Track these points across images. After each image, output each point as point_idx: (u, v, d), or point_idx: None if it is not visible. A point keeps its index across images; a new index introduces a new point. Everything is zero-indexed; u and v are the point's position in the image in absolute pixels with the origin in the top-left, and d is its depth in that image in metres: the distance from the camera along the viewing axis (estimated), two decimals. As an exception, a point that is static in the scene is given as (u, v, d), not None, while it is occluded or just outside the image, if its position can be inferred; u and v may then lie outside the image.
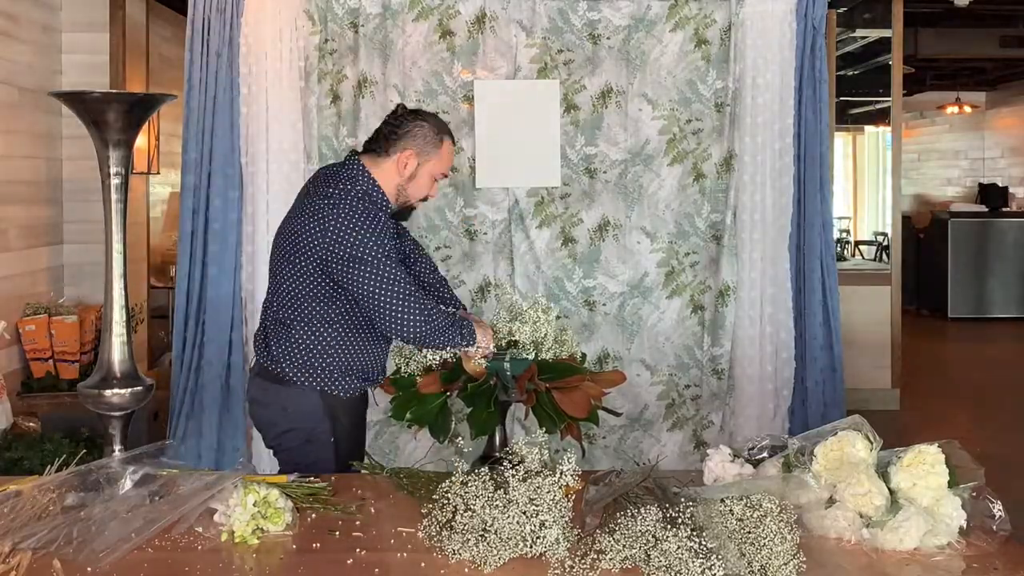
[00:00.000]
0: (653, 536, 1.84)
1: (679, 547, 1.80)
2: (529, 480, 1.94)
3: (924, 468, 2.03)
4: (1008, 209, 11.52)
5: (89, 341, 4.96)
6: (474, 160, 4.35)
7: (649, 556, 1.82)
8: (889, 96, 6.98)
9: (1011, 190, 11.85)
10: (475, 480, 1.98)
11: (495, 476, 2.01)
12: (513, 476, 1.94)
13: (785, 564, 1.82)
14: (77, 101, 2.99)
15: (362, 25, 4.31)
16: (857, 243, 13.12)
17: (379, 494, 2.32)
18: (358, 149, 4.31)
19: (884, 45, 7.22)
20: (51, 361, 4.85)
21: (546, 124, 4.36)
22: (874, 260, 11.62)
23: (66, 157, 5.35)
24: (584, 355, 3.42)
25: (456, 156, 4.34)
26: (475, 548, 1.88)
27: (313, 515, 2.16)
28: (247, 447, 4.17)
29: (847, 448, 2.08)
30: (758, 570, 1.81)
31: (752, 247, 4.34)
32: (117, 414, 3.13)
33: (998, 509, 2.02)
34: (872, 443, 2.09)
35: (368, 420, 4.23)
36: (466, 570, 1.87)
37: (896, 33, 6.86)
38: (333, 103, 4.32)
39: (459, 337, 2.75)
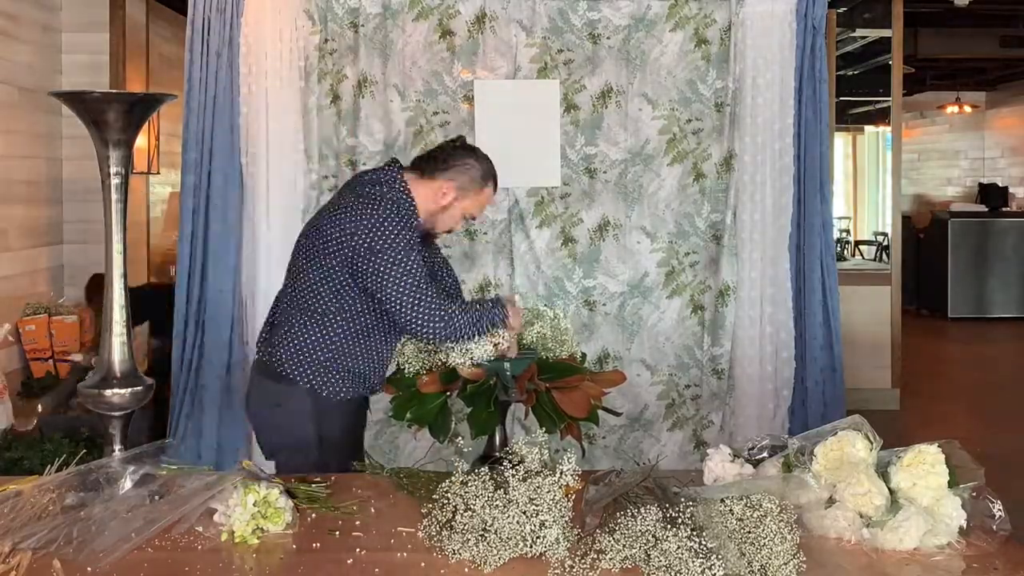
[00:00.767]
0: (653, 536, 1.84)
1: (679, 547, 1.80)
2: (529, 480, 1.94)
3: (924, 468, 2.03)
4: (1008, 209, 11.52)
5: (89, 341, 4.96)
6: (474, 160, 4.35)
7: (649, 556, 1.82)
8: (889, 96, 6.99)
9: (1011, 190, 11.85)
10: (475, 480, 1.98)
11: (495, 476, 2.00)
12: (513, 476, 1.94)
13: (785, 564, 1.82)
14: (77, 101, 2.98)
15: (362, 25, 4.31)
16: (857, 243, 13.13)
17: (379, 494, 2.32)
18: (358, 148, 4.35)
19: (884, 45, 7.22)
20: (51, 361, 4.85)
21: (546, 124, 4.36)
22: (874, 260, 11.62)
23: (66, 157, 5.35)
24: (584, 355, 3.42)
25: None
26: (475, 548, 1.88)
27: (313, 515, 2.16)
28: (247, 447, 4.17)
29: (847, 448, 2.08)
30: (758, 570, 1.81)
31: (752, 247, 4.33)
32: (117, 414, 3.13)
33: (998, 509, 2.02)
34: (872, 443, 2.09)
35: (368, 420, 4.26)
36: (466, 570, 1.87)
37: (896, 33, 6.86)
38: (333, 103, 4.32)
39: (487, 324, 2.79)
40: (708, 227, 4.39)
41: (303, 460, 2.76)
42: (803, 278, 4.30)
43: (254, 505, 2.03)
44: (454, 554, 1.90)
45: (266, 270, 4.21)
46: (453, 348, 2.83)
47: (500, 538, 1.88)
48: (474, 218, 3.01)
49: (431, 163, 2.88)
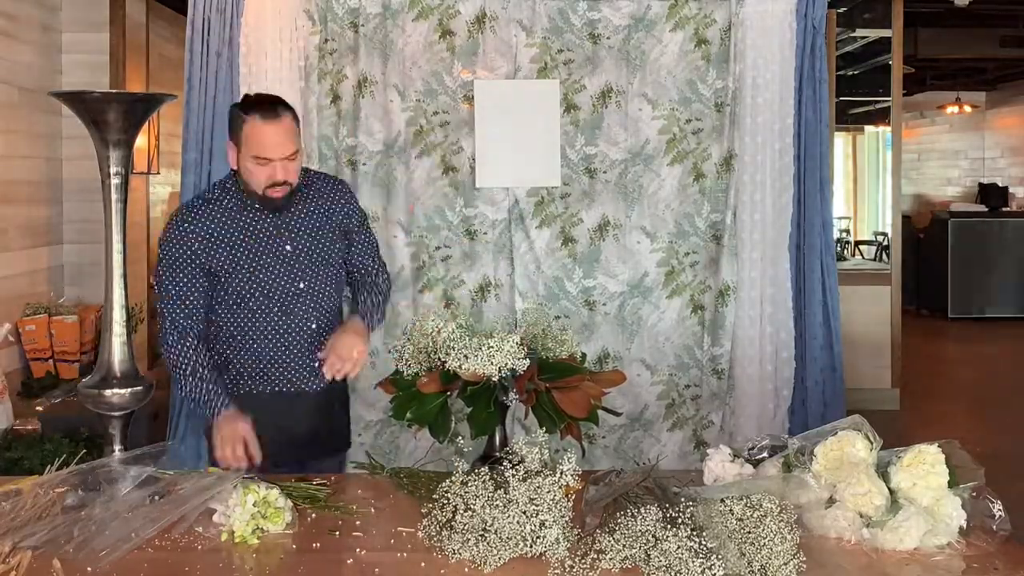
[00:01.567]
0: (653, 536, 1.84)
1: (679, 547, 1.80)
2: (529, 480, 1.94)
3: (924, 468, 2.03)
4: (1008, 209, 11.52)
5: (89, 341, 4.96)
6: (474, 160, 4.35)
7: (649, 556, 1.82)
8: (889, 96, 6.99)
9: (1011, 190, 11.85)
10: (475, 480, 1.98)
11: (495, 476, 2.01)
12: (513, 476, 1.94)
13: (785, 564, 1.82)
14: (77, 101, 2.99)
15: (362, 25, 4.31)
16: (857, 243, 13.12)
17: (379, 494, 2.32)
18: (358, 148, 4.35)
19: (884, 45, 7.22)
20: (51, 361, 4.85)
21: (546, 124, 4.36)
22: (874, 260, 11.62)
23: (66, 157, 5.35)
24: (584, 355, 3.42)
25: (456, 156, 4.34)
26: (475, 548, 1.88)
27: (313, 515, 2.16)
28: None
29: (847, 448, 2.08)
30: (758, 570, 1.81)
31: (752, 247, 4.34)
32: (117, 414, 3.13)
33: (998, 509, 2.02)
34: (872, 443, 2.09)
35: (368, 420, 4.26)
36: (466, 570, 1.87)
37: (896, 33, 6.86)
38: (333, 103, 4.32)
39: (194, 393, 2.65)
40: (708, 227, 4.39)
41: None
42: (803, 278, 4.30)
43: (254, 505, 2.03)
44: (454, 554, 1.90)
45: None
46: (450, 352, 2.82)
47: (500, 538, 1.88)
48: (268, 159, 2.58)
49: None
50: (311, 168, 2.94)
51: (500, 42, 4.36)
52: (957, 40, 9.13)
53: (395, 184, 4.34)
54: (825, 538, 2.02)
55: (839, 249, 11.27)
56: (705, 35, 4.35)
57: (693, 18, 4.35)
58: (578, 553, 1.88)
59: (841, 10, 7.03)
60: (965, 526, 2.01)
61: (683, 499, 1.99)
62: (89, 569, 1.86)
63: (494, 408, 2.86)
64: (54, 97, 3.23)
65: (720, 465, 2.23)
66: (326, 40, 4.30)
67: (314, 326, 2.71)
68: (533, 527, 1.88)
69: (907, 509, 1.98)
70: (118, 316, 3.01)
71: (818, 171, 4.28)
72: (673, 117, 4.37)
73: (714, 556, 1.78)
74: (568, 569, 1.84)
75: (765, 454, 2.25)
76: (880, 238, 11.67)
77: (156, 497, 2.12)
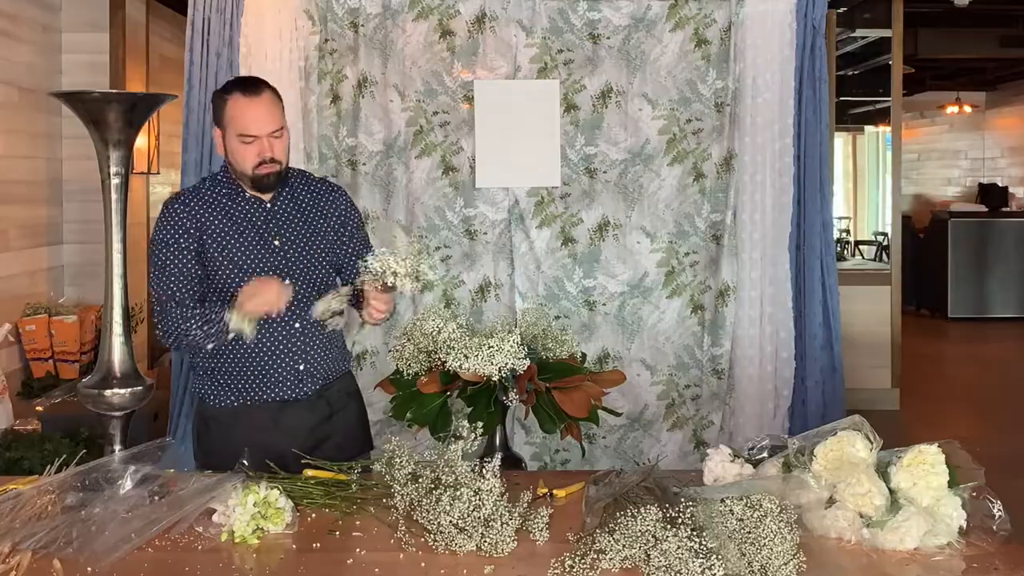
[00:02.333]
0: (653, 536, 1.84)
1: (679, 547, 1.80)
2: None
3: (924, 468, 2.03)
4: (1008, 209, 11.52)
5: (89, 341, 4.96)
6: (474, 160, 4.35)
7: (649, 556, 1.82)
8: (889, 96, 6.99)
9: (1011, 190, 11.85)
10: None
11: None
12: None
13: (785, 564, 1.82)
14: (77, 101, 2.98)
15: (362, 25, 4.31)
16: (857, 243, 13.13)
17: (379, 494, 2.31)
18: (358, 148, 4.35)
19: (884, 45, 7.22)
20: (51, 361, 4.85)
21: (546, 124, 4.36)
22: (874, 260, 11.62)
23: (66, 157, 5.35)
24: (584, 355, 3.43)
25: (456, 156, 4.34)
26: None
27: (313, 515, 2.16)
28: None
29: (847, 448, 2.08)
30: (758, 570, 1.81)
31: (752, 247, 4.34)
32: (117, 414, 3.13)
33: (998, 509, 2.02)
34: (872, 443, 2.09)
35: (368, 420, 4.26)
36: (465, 571, 1.87)
37: (896, 33, 6.86)
38: (333, 103, 4.32)
39: (204, 333, 2.57)
40: (708, 227, 4.39)
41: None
42: (803, 278, 4.30)
43: (254, 505, 2.03)
44: (433, 541, 1.90)
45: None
46: (451, 352, 2.83)
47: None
48: (254, 136, 2.56)
49: None
50: (311, 173, 2.92)
51: (500, 42, 4.36)
52: (957, 40, 9.13)
53: (395, 184, 4.34)
54: (825, 538, 2.02)
55: (839, 249, 11.27)
56: (705, 35, 4.35)
57: (693, 18, 4.35)
58: (578, 553, 1.88)
59: (841, 10, 7.03)
60: (965, 526, 2.01)
61: (683, 499, 1.99)
62: (89, 569, 1.86)
63: (494, 408, 2.86)
64: (54, 97, 3.23)
65: (720, 465, 2.23)
66: (326, 40, 4.30)
67: (297, 325, 2.64)
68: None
69: (907, 509, 1.98)
70: (118, 316, 3.00)
71: (818, 171, 4.28)
72: (673, 117, 4.37)
73: (714, 556, 1.78)
74: (568, 569, 1.84)
75: (765, 454, 2.25)
76: (880, 238, 11.68)
77: (156, 497, 2.12)
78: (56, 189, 5.31)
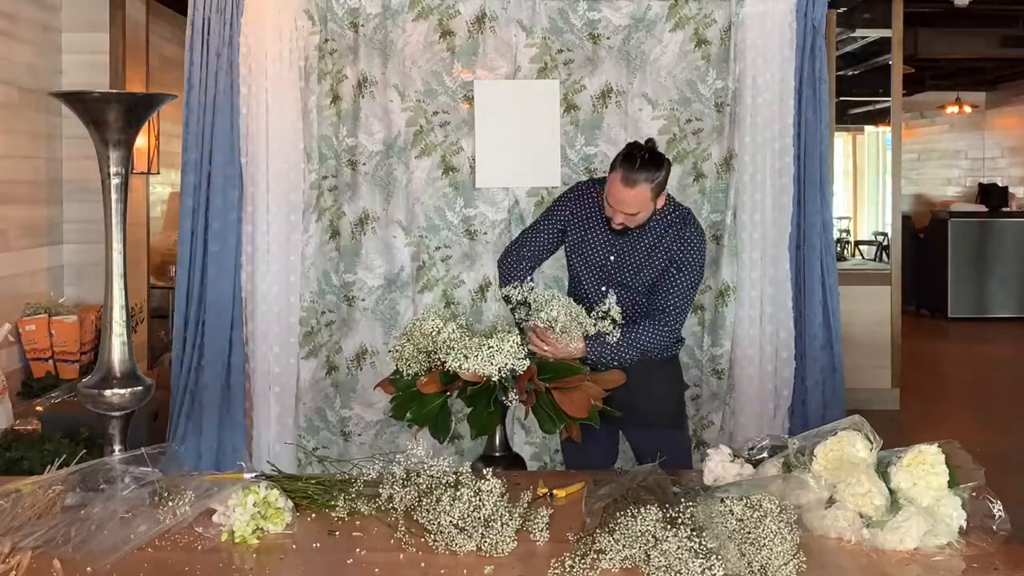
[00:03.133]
0: (653, 536, 1.84)
1: (679, 547, 1.80)
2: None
3: (924, 468, 2.03)
4: (1008, 209, 11.53)
5: (89, 341, 4.96)
6: (474, 160, 4.35)
7: (649, 556, 1.82)
8: (889, 96, 6.99)
9: (1011, 190, 11.86)
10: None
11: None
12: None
13: (785, 564, 1.82)
14: (77, 101, 2.98)
15: (362, 25, 4.30)
16: (857, 243, 13.13)
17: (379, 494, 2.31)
18: (358, 148, 4.34)
19: (884, 45, 7.22)
20: (51, 361, 4.85)
21: (546, 124, 4.36)
22: (874, 260, 11.63)
23: (66, 157, 5.35)
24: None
25: (456, 156, 4.35)
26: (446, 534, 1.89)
27: (313, 515, 2.16)
28: (247, 447, 4.17)
29: (847, 448, 2.08)
30: (758, 570, 1.81)
31: (752, 247, 4.33)
32: (117, 414, 3.13)
33: (998, 509, 2.02)
34: (872, 443, 2.09)
35: (368, 420, 4.27)
36: (465, 571, 1.87)
37: (896, 33, 6.86)
38: (333, 103, 4.32)
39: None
40: (708, 227, 4.38)
41: None
42: (803, 278, 4.29)
43: (254, 505, 2.03)
44: (434, 542, 1.90)
45: (266, 270, 4.21)
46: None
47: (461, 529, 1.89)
48: (611, 206, 3.30)
49: None
50: (666, 201, 3.43)
51: (500, 42, 4.36)
52: (957, 40, 9.13)
53: (395, 184, 4.34)
54: (825, 538, 2.02)
55: (839, 249, 11.28)
56: (705, 35, 4.35)
57: (693, 18, 4.35)
58: (578, 553, 1.88)
59: (841, 10, 7.03)
60: (965, 526, 2.01)
61: (683, 499, 1.99)
62: (89, 569, 1.87)
63: (494, 408, 2.86)
64: (54, 97, 3.23)
65: (720, 465, 2.23)
66: (326, 40, 4.30)
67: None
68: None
69: (907, 509, 1.98)
70: (118, 316, 3.00)
71: (818, 171, 4.28)
72: (673, 117, 4.37)
73: (714, 556, 1.78)
74: (568, 569, 1.84)
75: (765, 454, 2.25)
76: (880, 238, 11.68)
77: (156, 497, 2.12)
78: (56, 189, 5.31)
